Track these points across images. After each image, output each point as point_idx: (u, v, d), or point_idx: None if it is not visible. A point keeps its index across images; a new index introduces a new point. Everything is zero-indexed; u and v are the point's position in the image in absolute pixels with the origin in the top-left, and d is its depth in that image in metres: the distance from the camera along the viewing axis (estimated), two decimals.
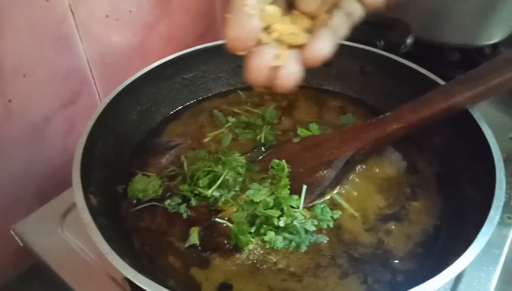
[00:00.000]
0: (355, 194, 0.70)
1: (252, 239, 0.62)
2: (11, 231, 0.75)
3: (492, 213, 0.53)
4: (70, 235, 0.74)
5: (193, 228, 0.64)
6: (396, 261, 0.61)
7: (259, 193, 0.68)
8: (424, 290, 0.46)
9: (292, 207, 0.65)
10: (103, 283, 0.67)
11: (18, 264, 0.86)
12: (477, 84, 0.65)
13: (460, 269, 0.48)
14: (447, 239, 0.63)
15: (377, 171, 0.74)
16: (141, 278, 0.47)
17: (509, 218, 0.77)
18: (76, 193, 0.56)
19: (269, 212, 0.63)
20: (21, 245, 0.75)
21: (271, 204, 0.65)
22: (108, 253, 0.50)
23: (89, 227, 0.52)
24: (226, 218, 0.65)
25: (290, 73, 0.47)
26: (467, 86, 0.66)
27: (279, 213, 0.62)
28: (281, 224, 0.62)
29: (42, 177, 0.88)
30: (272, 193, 0.66)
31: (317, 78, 0.94)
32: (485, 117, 0.67)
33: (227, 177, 0.68)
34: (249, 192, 0.66)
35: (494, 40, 1.14)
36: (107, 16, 0.86)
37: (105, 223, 0.59)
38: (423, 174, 0.74)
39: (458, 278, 0.67)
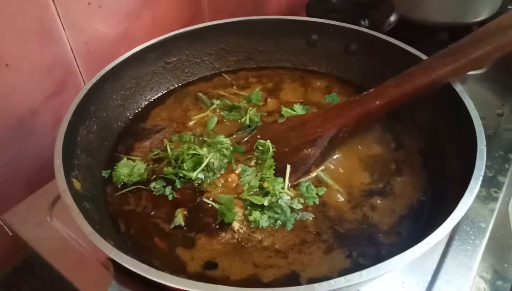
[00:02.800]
0: (340, 171, 0.71)
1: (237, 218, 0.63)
2: (0, 221, 0.75)
3: (472, 182, 0.53)
4: (59, 223, 0.74)
5: (178, 210, 0.64)
6: (381, 235, 0.61)
7: (245, 174, 0.68)
8: (403, 259, 0.46)
9: None
10: (94, 269, 0.67)
11: (12, 257, 0.85)
12: (458, 58, 0.65)
13: (438, 239, 0.48)
14: (431, 212, 0.63)
15: (362, 148, 0.74)
16: (123, 256, 0.47)
17: (495, 192, 0.77)
18: (58, 176, 0.56)
19: (254, 198, 0.64)
20: (10, 234, 0.75)
21: (257, 186, 0.65)
22: (90, 234, 0.50)
23: (71, 209, 0.53)
24: (211, 199, 0.66)
25: None
26: (448, 60, 0.66)
27: (264, 200, 0.63)
28: (266, 203, 0.63)
29: (31, 169, 0.87)
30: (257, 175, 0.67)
31: (302, 59, 0.94)
32: (472, 94, 0.67)
33: (212, 160, 0.69)
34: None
35: (482, 17, 1.14)
36: (89, 3, 0.84)
37: (89, 207, 0.59)
38: (408, 150, 0.74)
39: (445, 252, 0.67)
